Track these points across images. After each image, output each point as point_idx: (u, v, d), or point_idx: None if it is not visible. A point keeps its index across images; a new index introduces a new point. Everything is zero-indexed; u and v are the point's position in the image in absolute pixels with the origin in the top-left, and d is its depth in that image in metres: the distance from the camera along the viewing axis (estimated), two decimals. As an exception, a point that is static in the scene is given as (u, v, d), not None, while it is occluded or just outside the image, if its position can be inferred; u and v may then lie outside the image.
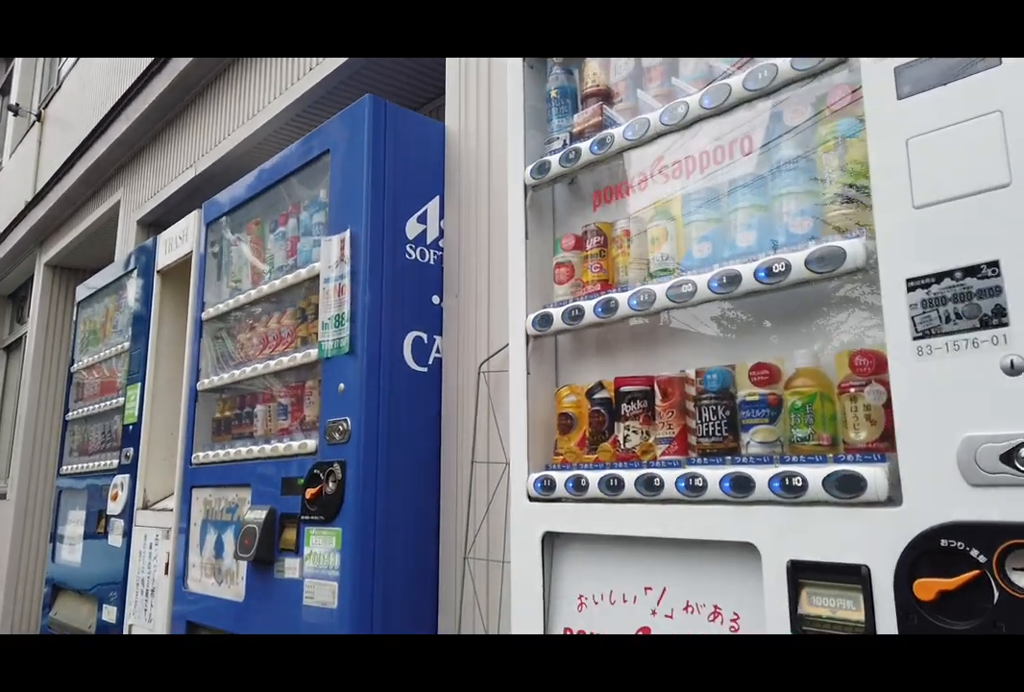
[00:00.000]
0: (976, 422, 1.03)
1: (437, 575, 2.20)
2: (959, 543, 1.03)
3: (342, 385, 2.22)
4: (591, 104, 1.73)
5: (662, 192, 1.55)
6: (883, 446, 1.18)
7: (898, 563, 1.08)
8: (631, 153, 1.58)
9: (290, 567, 2.28)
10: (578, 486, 1.53)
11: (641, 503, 1.43)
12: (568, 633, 1.55)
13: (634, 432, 1.51)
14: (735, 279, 1.32)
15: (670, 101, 1.55)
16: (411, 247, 2.35)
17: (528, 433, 1.67)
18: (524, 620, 1.60)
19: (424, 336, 2.32)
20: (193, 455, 2.96)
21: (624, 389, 1.54)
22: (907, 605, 1.06)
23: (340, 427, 2.18)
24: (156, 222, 5.05)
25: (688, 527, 1.35)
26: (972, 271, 1.06)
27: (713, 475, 1.31)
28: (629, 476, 1.44)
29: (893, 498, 1.12)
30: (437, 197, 2.44)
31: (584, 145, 1.64)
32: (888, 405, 1.19)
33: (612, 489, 1.46)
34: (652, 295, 1.45)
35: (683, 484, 1.35)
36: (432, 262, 2.39)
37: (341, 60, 3.12)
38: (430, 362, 2.32)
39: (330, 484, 2.18)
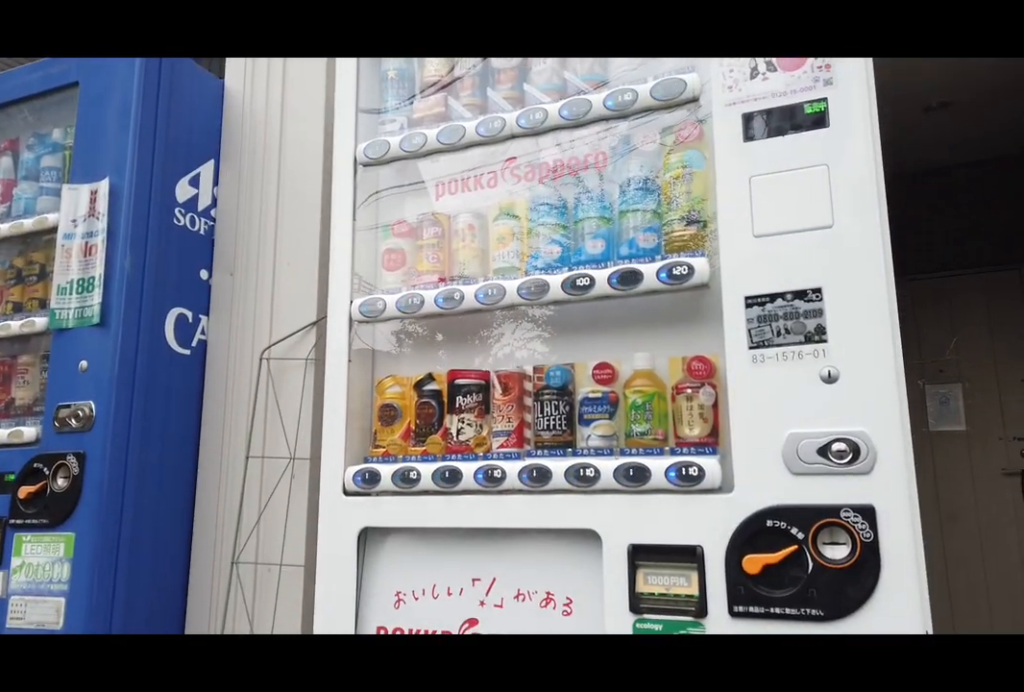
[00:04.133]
0: (799, 421, 1.24)
1: (189, 584, 1.95)
2: (781, 523, 1.22)
3: (84, 362, 1.86)
4: (431, 93, 1.70)
5: (511, 192, 1.59)
6: (712, 441, 1.35)
7: (729, 542, 1.24)
8: (482, 149, 1.59)
9: (-15, 584, 1.84)
10: (407, 478, 1.49)
11: (478, 494, 1.44)
12: (382, 631, 1.49)
13: (468, 425, 1.52)
14: (590, 283, 1.41)
15: (520, 105, 1.60)
16: (180, 212, 2.06)
17: (346, 425, 1.58)
18: (331, 621, 1.50)
19: (189, 314, 2.05)
20: None
21: (459, 382, 1.54)
22: (736, 578, 1.23)
23: (80, 413, 1.83)
24: None
25: (530, 516, 1.39)
26: (800, 295, 1.27)
27: (557, 466, 1.38)
28: (467, 468, 1.44)
29: (723, 486, 1.29)
30: (212, 161, 2.18)
31: (430, 133, 1.61)
32: (716, 405, 1.36)
33: (448, 481, 1.45)
34: (502, 290, 1.48)
35: (526, 475, 1.39)
36: (203, 232, 2.13)
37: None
38: (194, 344, 2.06)
39: (59, 481, 1.82)
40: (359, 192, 1.70)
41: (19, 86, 2.19)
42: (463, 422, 1.52)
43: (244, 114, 2.18)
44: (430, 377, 1.59)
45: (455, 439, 1.52)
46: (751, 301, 1.30)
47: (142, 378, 1.89)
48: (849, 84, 1.28)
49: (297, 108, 2.10)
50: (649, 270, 1.37)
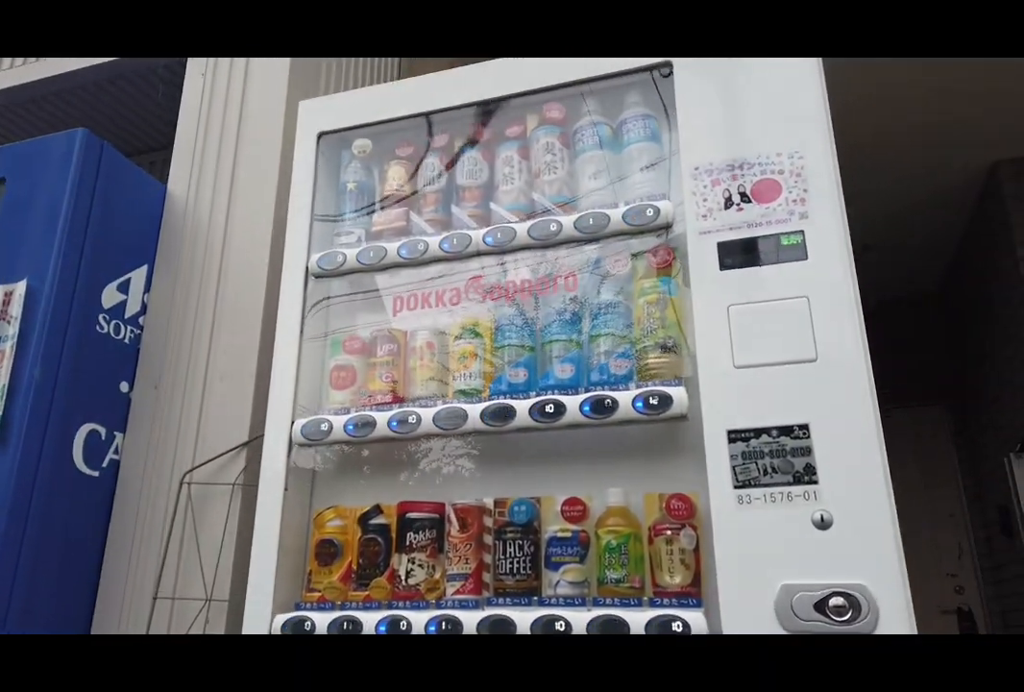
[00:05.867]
0: (792, 571, 1.13)
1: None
2: (778, 689, 1.07)
3: (-29, 486, 1.61)
4: (391, 206, 1.65)
5: (475, 311, 1.50)
6: (695, 590, 1.22)
7: (721, 711, 1.08)
8: (444, 265, 1.52)
9: None
10: (345, 630, 1.28)
11: (429, 652, 1.25)
12: None
13: (419, 566, 1.34)
14: (559, 410, 1.31)
15: (485, 223, 1.55)
16: (104, 318, 1.90)
17: (277, 563, 1.38)
18: None
19: (102, 431, 1.84)
20: None
21: (411, 515, 1.38)
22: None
23: (-43, 546, 1.56)
24: None
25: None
26: (786, 431, 1.19)
27: (522, 618, 1.21)
28: (418, 618, 1.26)
29: (709, 643, 1.14)
30: (145, 266, 2.05)
31: (391, 246, 1.53)
32: (697, 549, 1.24)
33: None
34: (463, 414, 1.36)
35: (487, 629, 1.22)
36: (127, 340, 1.96)
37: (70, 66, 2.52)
38: (104, 465, 1.83)
39: (-81, 630, 1.52)
40: (308, 299, 1.59)
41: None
42: (413, 562, 1.35)
43: (186, 219, 2.08)
44: (377, 509, 1.42)
45: (403, 583, 1.34)
46: (734, 436, 1.21)
47: (39, 506, 1.64)
48: (824, 218, 1.28)
49: (244, 216, 2.01)
50: (624, 398, 1.29)
